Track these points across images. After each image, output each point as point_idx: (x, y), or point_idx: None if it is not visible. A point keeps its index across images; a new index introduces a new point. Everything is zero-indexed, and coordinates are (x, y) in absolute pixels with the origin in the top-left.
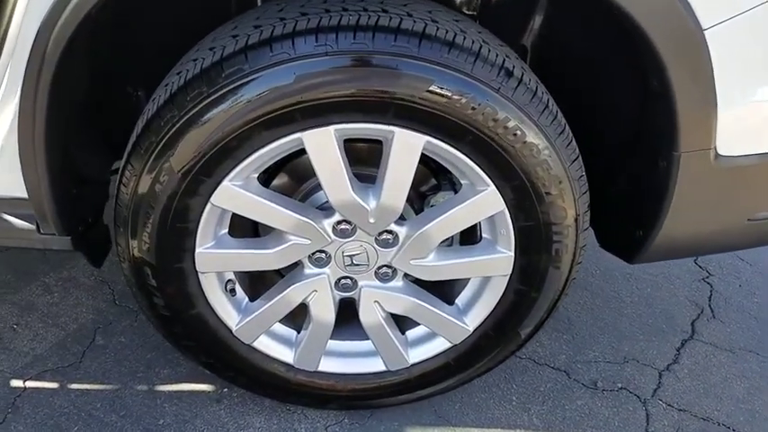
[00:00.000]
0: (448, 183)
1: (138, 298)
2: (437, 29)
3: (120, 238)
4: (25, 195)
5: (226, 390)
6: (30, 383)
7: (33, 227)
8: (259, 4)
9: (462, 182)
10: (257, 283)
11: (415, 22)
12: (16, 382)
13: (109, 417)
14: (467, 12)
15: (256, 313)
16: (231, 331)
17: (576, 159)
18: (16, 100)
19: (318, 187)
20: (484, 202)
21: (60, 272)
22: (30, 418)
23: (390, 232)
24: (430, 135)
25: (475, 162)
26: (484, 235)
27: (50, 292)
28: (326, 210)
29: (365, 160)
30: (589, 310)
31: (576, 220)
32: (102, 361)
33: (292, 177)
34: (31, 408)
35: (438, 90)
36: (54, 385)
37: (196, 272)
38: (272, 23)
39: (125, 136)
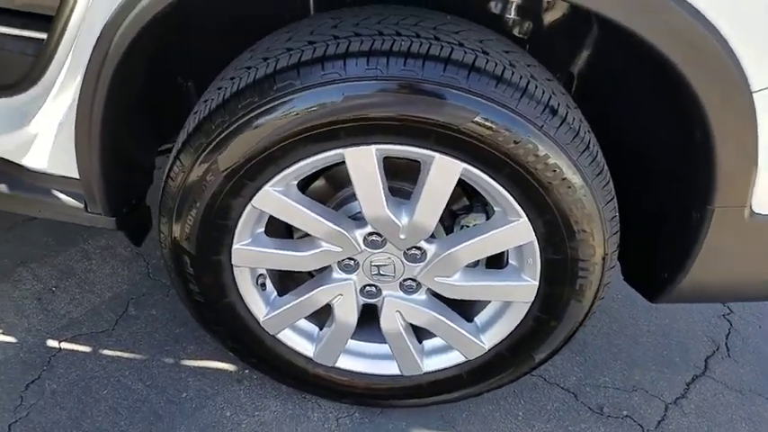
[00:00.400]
0: (480, 205)
1: (175, 283)
2: (486, 61)
3: (164, 227)
4: (76, 176)
5: (246, 371)
6: (64, 345)
7: (81, 205)
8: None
9: (495, 209)
10: (286, 280)
11: (465, 53)
12: (52, 343)
13: (136, 384)
14: (518, 35)
15: (283, 308)
16: (258, 322)
17: (610, 201)
18: (77, 82)
19: (353, 197)
20: (515, 232)
21: (99, 240)
22: (63, 377)
23: (419, 248)
24: (469, 163)
25: (510, 193)
26: (510, 261)
27: (89, 258)
28: (359, 220)
29: (401, 174)
30: (605, 335)
31: (603, 258)
32: (134, 331)
33: (330, 184)
34: (64, 368)
35: (482, 122)
36: (87, 349)
37: (231, 265)
38: (326, 41)
39: (173, 123)
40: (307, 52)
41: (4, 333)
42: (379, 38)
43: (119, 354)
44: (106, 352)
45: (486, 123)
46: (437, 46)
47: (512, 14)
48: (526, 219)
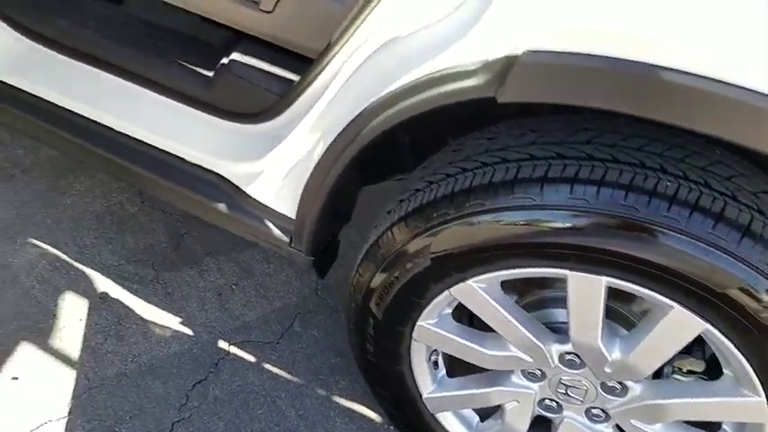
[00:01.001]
0: (701, 352)
1: (353, 337)
2: (764, 226)
3: (359, 285)
4: (292, 216)
5: (391, 427)
6: (233, 349)
7: (287, 240)
8: None
9: (725, 371)
10: (457, 362)
11: (740, 210)
12: (223, 344)
13: (289, 411)
14: None
15: (450, 393)
16: (421, 396)
17: None
18: (317, 136)
19: (554, 302)
20: (744, 408)
21: None
22: (226, 384)
23: (621, 384)
24: (715, 326)
25: (757, 374)
26: (725, 427)
27: (269, 261)
28: (560, 334)
29: (620, 295)
30: None
31: None
32: (295, 349)
33: (529, 279)
34: (228, 375)
35: (745, 289)
36: (252, 359)
37: (411, 338)
38: (579, 160)
39: (381, 169)
40: (555, 168)
41: (183, 323)
42: (641, 171)
43: (278, 372)
44: (268, 366)
45: (750, 292)
46: (708, 197)
47: None
48: (764, 399)
